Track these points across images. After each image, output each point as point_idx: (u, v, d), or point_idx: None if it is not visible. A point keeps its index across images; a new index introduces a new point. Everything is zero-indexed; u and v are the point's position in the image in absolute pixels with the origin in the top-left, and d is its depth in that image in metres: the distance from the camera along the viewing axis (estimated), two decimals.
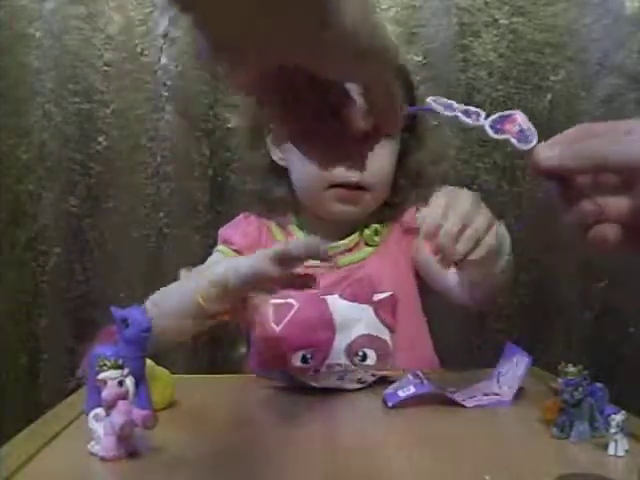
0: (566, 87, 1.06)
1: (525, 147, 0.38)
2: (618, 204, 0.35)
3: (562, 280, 1.07)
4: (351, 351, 0.74)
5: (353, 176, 0.77)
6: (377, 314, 0.76)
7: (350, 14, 0.26)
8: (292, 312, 0.77)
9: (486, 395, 0.60)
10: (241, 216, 0.88)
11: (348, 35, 0.27)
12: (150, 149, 1.09)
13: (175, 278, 1.15)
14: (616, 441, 0.46)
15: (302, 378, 0.65)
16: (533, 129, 0.38)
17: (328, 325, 0.75)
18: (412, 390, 0.58)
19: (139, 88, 1.08)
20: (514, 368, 0.61)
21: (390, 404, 0.58)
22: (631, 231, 0.34)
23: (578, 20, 1.06)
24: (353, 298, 0.77)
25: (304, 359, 0.76)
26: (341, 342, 0.75)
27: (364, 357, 0.74)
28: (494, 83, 1.07)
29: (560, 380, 0.50)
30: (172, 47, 1.08)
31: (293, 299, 0.77)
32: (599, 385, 0.50)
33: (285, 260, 0.60)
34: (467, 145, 1.07)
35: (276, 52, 0.27)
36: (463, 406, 0.58)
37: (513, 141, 0.38)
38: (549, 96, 1.06)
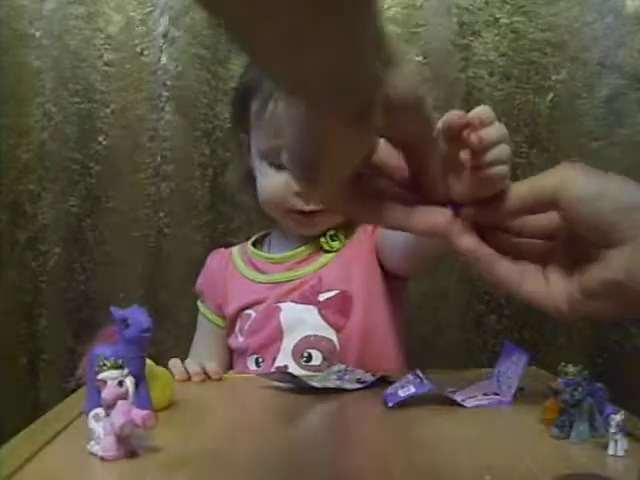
0: (567, 87, 1.06)
1: None
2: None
3: None
4: (296, 353, 0.75)
5: (307, 205, 0.78)
6: (321, 314, 0.76)
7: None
8: (249, 321, 0.80)
9: (486, 395, 0.60)
10: (208, 257, 0.90)
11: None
12: (150, 149, 1.09)
13: (175, 278, 1.15)
14: (616, 441, 0.46)
15: (303, 378, 0.66)
16: None
17: (276, 329, 0.77)
18: (412, 390, 0.58)
19: (139, 88, 1.08)
20: (513, 367, 0.61)
21: (390, 404, 0.58)
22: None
23: (579, 19, 1.06)
24: (300, 300, 0.78)
25: (257, 362, 0.78)
26: (288, 344, 0.76)
27: (309, 358, 0.75)
28: (495, 82, 1.07)
29: (560, 380, 0.50)
30: (172, 47, 1.07)
31: (252, 310, 0.80)
32: (599, 385, 0.50)
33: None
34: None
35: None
36: (463, 406, 0.58)
37: None
38: (550, 95, 1.06)
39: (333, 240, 0.81)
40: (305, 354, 0.75)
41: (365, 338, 0.77)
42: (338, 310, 0.76)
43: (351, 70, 0.28)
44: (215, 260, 0.89)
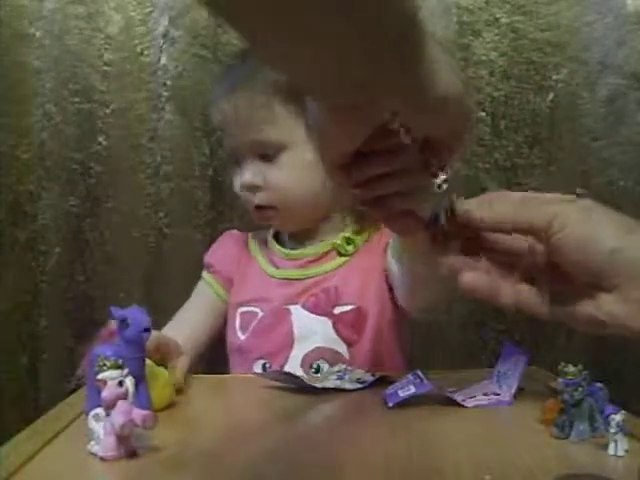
0: (568, 86, 1.06)
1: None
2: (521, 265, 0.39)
3: None
4: (306, 363, 0.75)
5: (252, 199, 0.79)
6: (335, 328, 0.76)
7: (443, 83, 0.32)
8: (256, 321, 0.79)
9: (486, 395, 0.60)
10: (223, 235, 0.90)
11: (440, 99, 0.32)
12: (150, 149, 1.09)
13: (175, 278, 1.15)
14: (616, 441, 0.46)
15: (302, 378, 0.66)
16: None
17: (287, 336, 0.76)
18: (412, 390, 0.58)
19: (139, 88, 1.08)
20: (513, 367, 0.61)
21: (390, 404, 0.58)
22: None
23: (579, 18, 1.06)
24: (314, 309, 0.77)
25: (264, 368, 0.78)
26: (298, 353, 0.76)
27: (318, 369, 0.75)
28: (495, 82, 1.07)
29: (560, 380, 0.50)
30: (172, 47, 1.07)
31: (258, 307, 0.79)
32: (599, 385, 0.50)
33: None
34: (467, 145, 1.07)
35: (383, 107, 0.32)
36: (463, 406, 0.58)
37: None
38: (551, 95, 1.06)
39: (348, 244, 0.80)
40: (315, 365, 0.75)
41: (375, 354, 0.76)
42: (352, 325, 0.76)
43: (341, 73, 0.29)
44: (232, 240, 0.88)
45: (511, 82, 1.07)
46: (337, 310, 0.76)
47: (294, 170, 0.77)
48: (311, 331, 0.76)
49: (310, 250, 0.81)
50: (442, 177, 0.37)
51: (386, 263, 0.77)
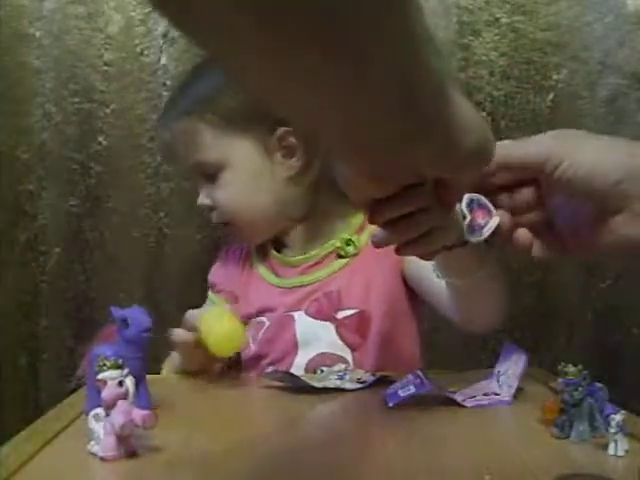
0: (568, 86, 1.06)
1: (470, 237, 0.42)
2: (532, 217, 0.43)
3: (564, 281, 1.07)
4: (310, 368, 0.74)
5: (212, 218, 0.82)
6: (338, 332, 0.75)
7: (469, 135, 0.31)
8: (263, 330, 0.79)
9: (486, 395, 0.60)
10: (222, 252, 0.90)
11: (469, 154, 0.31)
12: (150, 149, 1.09)
13: (175, 278, 1.15)
14: (616, 441, 0.46)
15: (303, 378, 0.66)
16: (486, 229, 0.43)
17: (290, 342, 0.76)
18: (412, 390, 0.58)
19: (139, 88, 1.08)
20: (513, 367, 0.61)
21: (390, 404, 0.58)
22: (544, 240, 0.43)
23: (579, 18, 1.06)
24: (316, 314, 0.77)
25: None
26: (302, 358, 0.76)
27: None
28: (495, 82, 1.07)
29: (560, 380, 0.50)
30: (172, 47, 1.08)
31: (265, 317, 0.80)
32: (599, 385, 0.50)
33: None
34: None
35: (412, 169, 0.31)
36: (463, 406, 0.58)
37: (466, 224, 0.42)
38: (551, 95, 1.06)
39: (348, 245, 0.79)
40: (318, 371, 0.74)
41: (381, 358, 0.75)
42: (356, 330, 0.75)
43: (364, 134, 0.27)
44: (232, 256, 0.88)
45: (511, 82, 1.07)
46: (340, 315, 0.76)
47: (236, 187, 0.78)
48: (314, 337, 0.76)
49: (309, 255, 0.81)
50: (488, 229, 0.39)
51: (407, 270, 0.76)
